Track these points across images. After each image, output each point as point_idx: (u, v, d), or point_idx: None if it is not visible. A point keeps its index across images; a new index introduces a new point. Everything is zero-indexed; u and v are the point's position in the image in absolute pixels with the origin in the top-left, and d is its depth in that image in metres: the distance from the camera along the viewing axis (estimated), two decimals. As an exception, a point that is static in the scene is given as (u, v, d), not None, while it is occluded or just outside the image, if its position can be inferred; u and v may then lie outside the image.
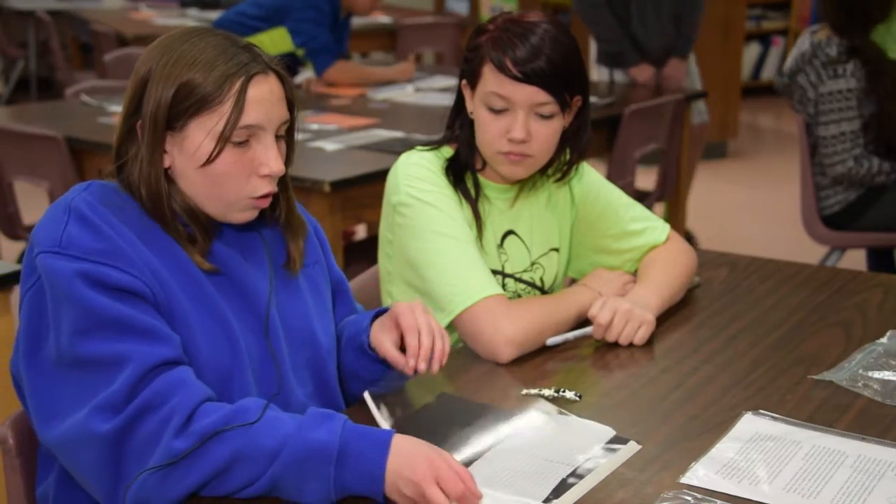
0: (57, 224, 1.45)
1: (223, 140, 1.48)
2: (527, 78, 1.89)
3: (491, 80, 1.92)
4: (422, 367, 1.59)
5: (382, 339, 1.64)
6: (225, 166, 1.50)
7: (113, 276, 1.41)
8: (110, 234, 1.44)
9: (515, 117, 1.92)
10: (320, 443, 1.37)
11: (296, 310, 1.64)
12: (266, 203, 1.56)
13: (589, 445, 1.54)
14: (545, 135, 1.95)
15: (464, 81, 2.00)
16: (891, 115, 3.69)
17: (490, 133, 1.95)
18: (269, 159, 1.52)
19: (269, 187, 1.54)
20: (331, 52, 4.47)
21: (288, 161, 1.59)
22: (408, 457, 1.38)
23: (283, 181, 1.60)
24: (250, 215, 1.57)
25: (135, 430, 1.37)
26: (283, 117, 1.54)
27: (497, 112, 1.93)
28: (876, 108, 3.69)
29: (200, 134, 1.48)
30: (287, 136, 1.58)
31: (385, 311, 1.70)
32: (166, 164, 1.51)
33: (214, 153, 1.48)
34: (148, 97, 1.48)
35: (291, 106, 1.56)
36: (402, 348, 1.63)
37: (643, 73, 4.74)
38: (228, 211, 1.54)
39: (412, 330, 1.60)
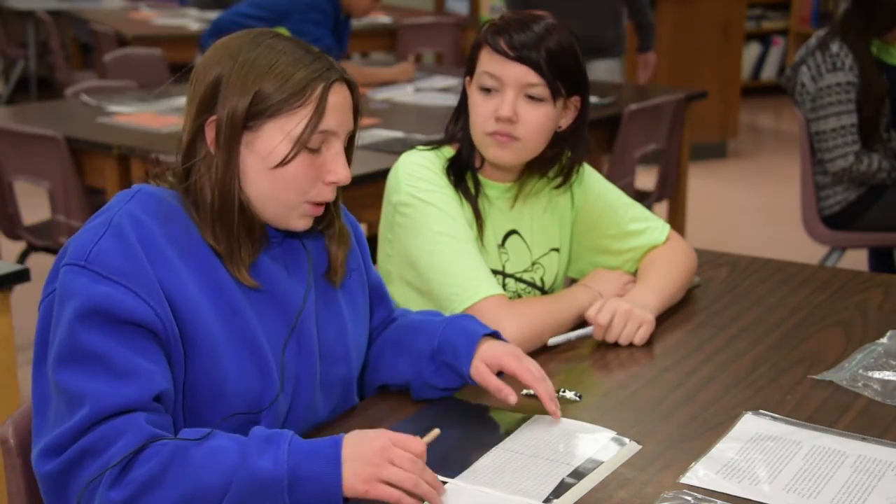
0: (93, 235, 1.43)
1: (300, 144, 1.47)
2: (518, 57, 1.89)
3: (485, 60, 1.93)
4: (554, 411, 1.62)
5: (484, 370, 1.65)
6: (295, 170, 1.49)
7: (123, 304, 1.38)
8: (140, 256, 1.42)
9: (504, 97, 1.92)
10: (267, 473, 1.32)
11: (333, 325, 1.62)
12: (321, 211, 1.56)
13: (589, 446, 1.54)
14: (533, 118, 1.94)
15: (468, 78, 2.00)
16: (866, 118, 3.71)
17: (479, 115, 1.95)
18: (338, 167, 1.51)
19: (332, 195, 1.54)
20: (333, 54, 4.46)
21: None
22: (359, 457, 1.35)
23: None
24: (307, 223, 1.55)
25: (74, 474, 1.35)
26: (351, 126, 1.54)
27: (487, 92, 1.93)
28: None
29: (277, 136, 1.47)
30: (348, 146, 1.57)
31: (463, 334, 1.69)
32: None
33: (290, 156, 1.48)
34: (223, 100, 1.46)
35: (355, 115, 1.56)
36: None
37: None
38: (288, 215, 1.53)
39: (533, 380, 1.63)
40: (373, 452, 1.35)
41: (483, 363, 1.65)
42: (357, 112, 1.56)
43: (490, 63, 1.92)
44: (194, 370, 1.45)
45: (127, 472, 1.33)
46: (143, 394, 1.37)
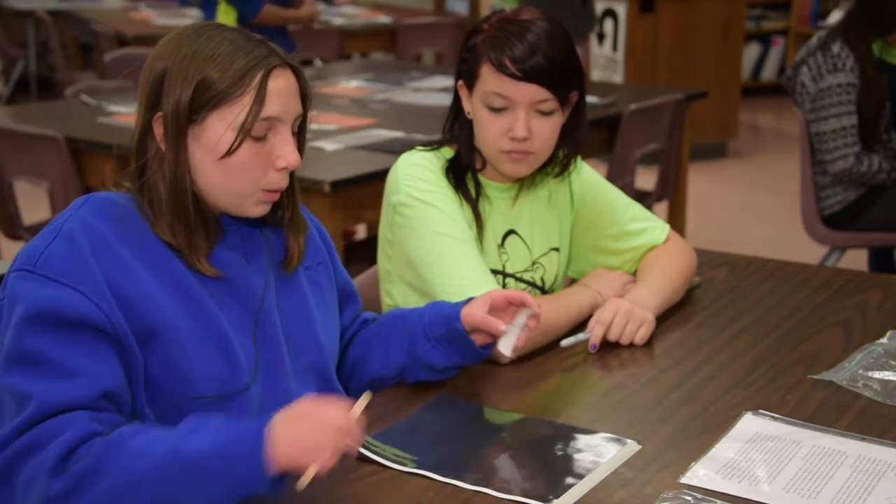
0: (42, 241, 1.44)
1: (244, 132, 1.48)
2: (527, 76, 1.89)
3: (490, 79, 1.92)
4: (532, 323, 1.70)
5: (471, 311, 1.67)
6: (243, 158, 1.49)
7: (69, 306, 1.38)
8: (88, 258, 1.42)
9: (516, 116, 1.92)
10: (198, 454, 1.31)
11: (297, 312, 1.63)
12: (276, 197, 1.56)
13: (588, 445, 1.54)
14: (546, 131, 1.95)
15: (460, 82, 1.99)
16: (867, 119, 3.71)
17: (491, 133, 1.95)
18: (287, 152, 1.52)
19: (284, 181, 1.55)
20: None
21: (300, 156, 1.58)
22: (284, 427, 1.31)
23: (290, 179, 1.60)
24: (263, 209, 1.56)
25: (16, 469, 1.34)
26: (298, 111, 1.54)
27: (497, 111, 1.93)
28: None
29: (220, 126, 1.48)
30: (299, 132, 1.58)
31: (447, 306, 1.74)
32: None
33: (235, 145, 1.48)
34: (167, 94, 1.47)
35: (304, 101, 1.56)
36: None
37: None
38: (243, 203, 1.53)
39: (520, 296, 1.68)
40: (297, 420, 1.32)
41: (470, 308, 1.68)
42: (305, 97, 1.56)
43: (497, 84, 1.91)
44: (160, 363, 1.45)
45: (67, 466, 1.32)
46: (87, 392, 1.37)
